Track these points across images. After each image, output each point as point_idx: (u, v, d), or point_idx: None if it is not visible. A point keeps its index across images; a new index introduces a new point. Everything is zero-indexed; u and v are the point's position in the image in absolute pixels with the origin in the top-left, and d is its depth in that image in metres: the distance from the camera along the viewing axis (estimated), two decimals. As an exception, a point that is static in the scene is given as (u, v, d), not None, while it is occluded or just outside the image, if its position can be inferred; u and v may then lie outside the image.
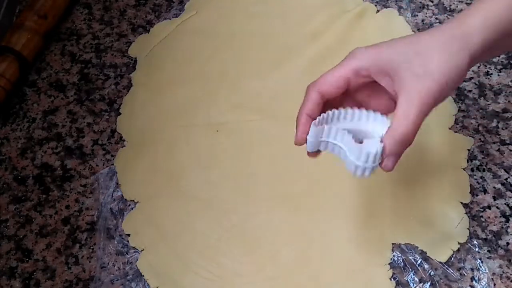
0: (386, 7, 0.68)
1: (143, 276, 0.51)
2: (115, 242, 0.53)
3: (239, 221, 0.54)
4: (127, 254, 0.53)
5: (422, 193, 0.53)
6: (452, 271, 0.49)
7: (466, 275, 0.49)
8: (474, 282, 0.49)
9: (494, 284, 0.48)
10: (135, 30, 0.70)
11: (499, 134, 0.57)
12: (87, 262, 0.53)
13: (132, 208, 0.56)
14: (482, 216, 0.52)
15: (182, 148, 0.59)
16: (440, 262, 0.50)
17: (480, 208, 0.53)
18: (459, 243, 0.50)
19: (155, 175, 0.58)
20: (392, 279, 0.49)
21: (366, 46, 0.42)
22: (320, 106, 0.42)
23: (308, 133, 0.41)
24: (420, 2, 0.68)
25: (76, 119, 0.63)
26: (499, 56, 0.63)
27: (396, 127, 0.39)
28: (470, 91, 0.60)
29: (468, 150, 0.56)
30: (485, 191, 0.53)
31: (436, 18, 0.66)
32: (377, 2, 0.69)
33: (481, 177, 0.54)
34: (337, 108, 0.42)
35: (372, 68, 0.41)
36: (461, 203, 0.53)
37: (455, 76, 0.39)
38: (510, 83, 0.60)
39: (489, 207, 0.53)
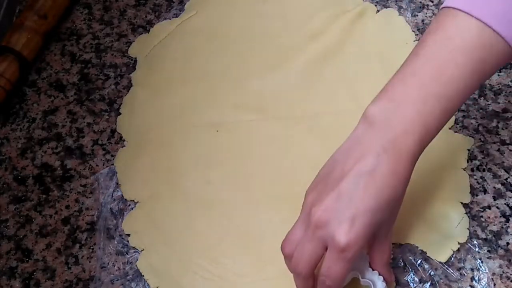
0: (386, 7, 0.68)
1: (143, 276, 0.51)
2: (115, 242, 0.53)
3: (239, 221, 0.54)
4: (127, 254, 0.53)
5: (422, 193, 0.53)
6: (452, 271, 0.49)
7: (466, 275, 0.49)
8: (474, 282, 0.49)
9: (494, 284, 0.48)
10: (135, 30, 0.70)
11: (499, 134, 0.57)
12: (87, 262, 0.53)
13: (132, 208, 0.56)
14: (482, 216, 0.52)
15: (182, 148, 0.59)
16: (440, 262, 0.50)
17: (480, 208, 0.53)
18: (459, 243, 0.50)
19: (155, 175, 0.58)
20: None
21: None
22: None
23: None
24: (420, 2, 0.68)
25: (76, 119, 0.63)
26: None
27: (379, 260, 0.44)
28: (470, 91, 0.60)
29: (468, 150, 0.56)
30: (485, 191, 0.53)
31: (436, 18, 0.66)
32: (377, 2, 0.69)
33: (481, 177, 0.54)
34: None
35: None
36: (461, 203, 0.53)
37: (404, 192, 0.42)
38: (510, 83, 0.60)
39: (489, 207, 0.53)
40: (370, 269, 0.45)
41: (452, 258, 0.50)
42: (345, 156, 0.41)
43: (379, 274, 0.44)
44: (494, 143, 0.56)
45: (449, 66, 0.39)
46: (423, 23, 0.66)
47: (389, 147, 0.39)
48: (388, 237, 0.44)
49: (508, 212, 0.52)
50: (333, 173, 0.41)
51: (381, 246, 0.44)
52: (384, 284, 0.45)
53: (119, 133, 0.61)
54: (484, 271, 0.49)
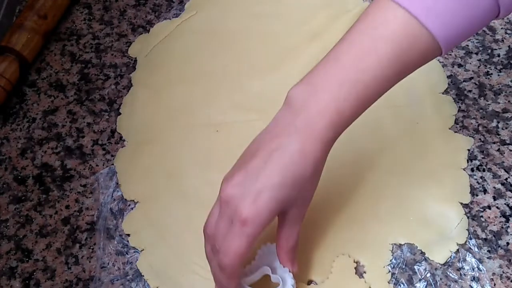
0: (386, 7, 0.68)
1: (143, 276, 0.51)
2: (115, 242, 0.53)
3: (239, 221, 0.54)
4: (127, 254, 0.53)
5: (422, 193, 0.53)
6: (452, 271, 0.49)
7: (466, 275, 0.49)
8: (474, 282, 0.49)
9: (494, 284, 0.48)
10: (135, 30, 0.70)
11: (499, 134, 0.57)
12: (87, 262, 0.53)
13: (132, 208, 0.56)
14: (482, 216, 0.52)
15: (182, 148, 0.59)
16: (440, 263, 0.50)
17: (480, 208, 0.53)
18: (457, 244, 0.50)
19: (155, 175, 0.58)
20: (392, 279, 0.49)
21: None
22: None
23: None
24: (420, 2, 0.68)
25: (76, 119, 0.63)
26: (499, 56, 0.63)
27: (285, 244, 0.44)
28: (470, 91, 0.60)
29: (468, 150, 0.56)
30: (485, 191, 0.53)
31: (436, 18, 0.66)
32: (377, 2, 0.68)
33: (481, 177, 0.54)
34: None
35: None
36: (461, 203, 0.53)
37: (319, 174, 0.43)
38: (510, 83, 0.60)
39: (489, 207, 0.53)
40: (281, 265, 0.45)
41: (452, 258, 0.50)
42: (262, 137, 0.43)
43: (289, 271, 0.45)
44: (494, 143, 0.56)
45: (369, 54, 0.40)
46: (423, 23, 0.66)
47: (301, 127, 0.41)
48: (297, 222, 0.44)
49: (508, 212, 0.52)
50: (249, 153, 0.43)
51: (289, 231, 0.44)
52: (294, 281, 0.45)
53: (119, 133, 0.61)
54: (484, 271, 0.49)
